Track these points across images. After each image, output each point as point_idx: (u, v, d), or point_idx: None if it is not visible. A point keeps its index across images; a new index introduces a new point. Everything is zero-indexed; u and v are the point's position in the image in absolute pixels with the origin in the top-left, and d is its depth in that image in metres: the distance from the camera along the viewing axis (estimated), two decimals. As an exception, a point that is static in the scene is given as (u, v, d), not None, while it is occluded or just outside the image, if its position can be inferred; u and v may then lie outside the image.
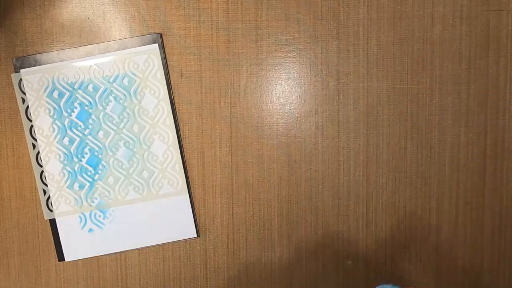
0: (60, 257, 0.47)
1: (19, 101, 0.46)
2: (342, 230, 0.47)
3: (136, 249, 0.47)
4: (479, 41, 0.46)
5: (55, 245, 0.46)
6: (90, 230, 0.46)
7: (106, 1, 0.45)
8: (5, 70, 0.45)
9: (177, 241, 0.47)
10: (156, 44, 0.45)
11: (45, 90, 0.45)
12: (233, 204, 0.47)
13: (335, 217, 0.47)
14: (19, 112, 0.46)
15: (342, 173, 0.47)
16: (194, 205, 0.47)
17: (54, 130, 0.45)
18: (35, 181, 0.46)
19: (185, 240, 0.47)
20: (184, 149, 0.46)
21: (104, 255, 0.47)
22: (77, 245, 0.46)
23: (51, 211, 0.46)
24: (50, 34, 0.45)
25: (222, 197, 0.47)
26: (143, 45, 0.45)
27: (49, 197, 0.46)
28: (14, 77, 0.45)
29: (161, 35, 0.45)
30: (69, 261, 0.47)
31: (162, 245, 0.47)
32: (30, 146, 0.46)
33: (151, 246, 0.47)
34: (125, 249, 0.47)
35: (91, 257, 0.47)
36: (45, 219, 0.46)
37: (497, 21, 0.46)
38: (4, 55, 0.45)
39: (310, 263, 0.47)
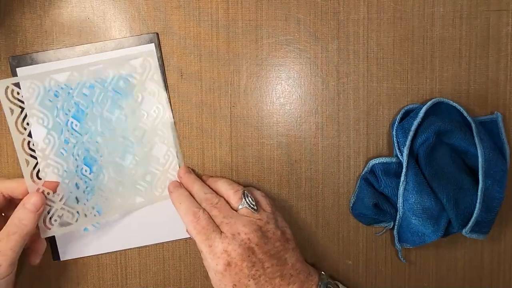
0: (55, 256, 0.47)
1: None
2: (342, 230, 0.47)
3: (136, 248, 0.47)
4: (479, 41, 0.46)
5: (50, 245, 0.46)
6: (86, 229, 0.46)
7: (106, 1, 0.45)
8: (5, 70, 0.45)
9: (177, 241, 0.47)
10: (153, 44, 0.45)
11: (41, 91, 0.45)
12: (233, 204, 0.47)
13: (335, 217, 0.47)
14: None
15: (342, 173, 0.47)
16: (194, 205, 0.47)
17: (50, 133, 0.45)
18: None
19: (185, 240, 0.47)
20: (184, 149, 0.46)
21: (100, 254, 0.47)
22: (72, 244, 0.46)
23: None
24: (50, 34, 0.45)
25: (222, 197, 0.47)
26: (139, 44, 0.45)
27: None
28: (13, 76, 0.45)
29: (157, 34, 0.45)
30: (69, 261, 0.47)
31: (162, 244, 0.47)
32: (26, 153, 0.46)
33: (150, 246, 0.47)
34: (122, 249, 0.47)
35: (91, 257, 0.47)
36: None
37: (497, 21, 0.46)
38: (4, 55, 0.45)
39: (310, 263, 0.47)
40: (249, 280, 0.38)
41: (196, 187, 0.43)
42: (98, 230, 0.46)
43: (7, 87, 0.41)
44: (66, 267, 0.47)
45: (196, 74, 0.46)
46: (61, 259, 0.47)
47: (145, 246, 0.47)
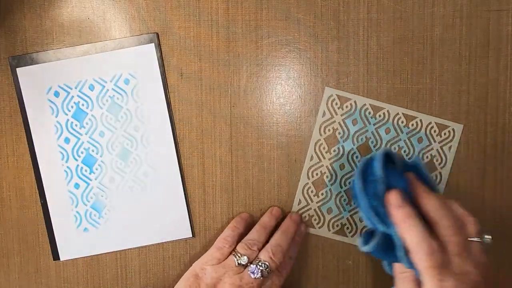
0: (55, 256, 0.47)
1: (18, 100, 0.46)
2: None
3: (136, 248, 0.47)
4: (479, 41, 0.46)
5: (50, 244, 0.46)
6: (85, 229, 0.46)
7: (106, 1, 0.45)
8: (5, 70, 0.45)
9: (177, 241, 0.47)
10: (153, 44, 0.45)
11: (42, 90, 0.45)
12: (233, 204, 0.47)
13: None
14: (19, 111, 0.46)
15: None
16: (194, 205, 0.47)
17: (51, 130, 0.45)
18: (35, 181, 0.46)
19: (185, 240, 0.47)
20: (184, 149, 0.46)
21: (100, 254, 0.47)
22: (72, 244, 0.46)
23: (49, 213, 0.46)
24: (50, 34, 0.45)
25: (222, 197, 0.47)
26: (139, 44, 0.45)
27: (45, 199, 0.46)
28: (13, 76, 0.45)
29: (157, 34, 0.45)
30: (69, 261, 0.47)
31: (162, 244, 0.47)
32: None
33: (150, 246, 0.47)
34: (121, 249, 0.47)
35: (91, 257, 0.47)
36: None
37: (497, 21, 0.46)
38: (4, 55, 0.45)
39: (310, 263, 0.47)
40: None
41: (434, 203, 0.37)
42: (98, 230, 0.46)
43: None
44: (66, 267, 0.47)
45: (196, 74, 0.46)
46: (61, 259, 0.47)
47: (145, 246, 0.47)
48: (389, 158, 0.39)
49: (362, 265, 0.47)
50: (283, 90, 0.46)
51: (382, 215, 0.37)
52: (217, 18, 0.45)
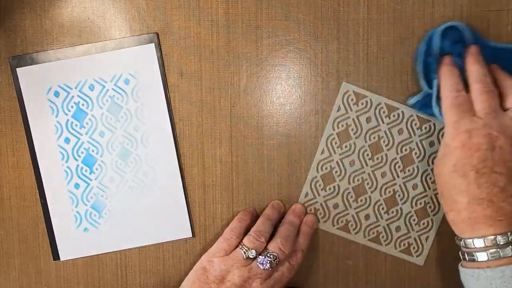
0: (56, 256, 0.47)
1: (18, 100, 0.46)
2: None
3: (136, 248, 0.47)
4: (479, 41, 0.46)
5: (51, 244, 0.47)
6: (86, 229, 0.46)
7: (106, 1, 0.45)
8: (5, 70, 0.45)
9: (177, 241, 0.47)
10: (153, 44, 0.45)
11: (42, 90, 0.45)
12: (233, 204, 0.47)
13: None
14: (19, 111, 0.46)
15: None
16: (194, 205, 0.47)
17: (51, 130, 0.45)
18: (35, 181, 0.46)
19: (185, 240, 0.47)
20: (184, 149, 0.46)
21: (100, 254, 0.47)
22: (73, 244, 0.46)
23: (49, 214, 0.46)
24: (50, 34, 0.45)
25: (222, 197, 0.47)
26: (139, 44, 0.45)
27: (45, 199, 0.46)
28: (13, 76, 0.45)
29: (157, 34, 0.45)
30: (69, 262, 0.47)
31: (162, 244, 0.47)
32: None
33: (150, 246, 0.47)
34: (121, 249, 0.47)
35: (91, 257, 0.47)
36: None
37: (497, 21, 0.46)
38: (3, 55, 0.45)
39: (310, 263, 0.47)
40: (471, 170, 0.37)
41: (478, 67, 0.41)
42: (98, 230, 0.46)
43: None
44: (66, 267, 0.47)
45: (196, 74, 0.46)
46: (61, 259, 0.47)
47: (145, 246, 0.47)
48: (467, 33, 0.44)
49: (362, 265, 0.47)
50: (283, 90, 0.46)
51: (432, 71, 0.43)
52: (217, 18, 0.45)
